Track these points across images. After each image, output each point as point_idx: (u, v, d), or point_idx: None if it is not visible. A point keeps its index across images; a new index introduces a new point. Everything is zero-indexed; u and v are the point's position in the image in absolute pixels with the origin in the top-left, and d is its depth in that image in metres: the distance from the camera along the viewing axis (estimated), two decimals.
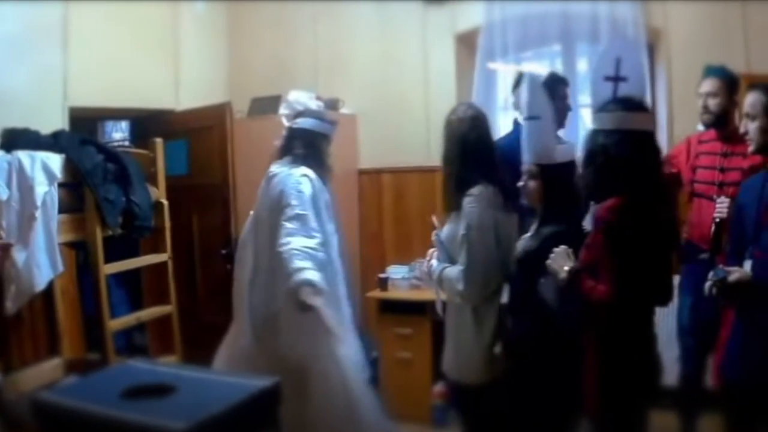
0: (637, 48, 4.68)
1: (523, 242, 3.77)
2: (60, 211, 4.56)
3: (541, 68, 6.29)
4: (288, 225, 4.18)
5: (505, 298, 3.81)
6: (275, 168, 4.49)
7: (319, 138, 4.57)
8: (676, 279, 4.77)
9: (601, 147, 3.35)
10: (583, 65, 6.52)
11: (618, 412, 3.33)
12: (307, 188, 4.29)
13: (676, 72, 5.92)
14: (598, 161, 3.35)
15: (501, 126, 6.48)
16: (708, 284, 3.39)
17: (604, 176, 3.35)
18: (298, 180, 4.32)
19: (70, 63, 5.68)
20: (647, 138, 3.39)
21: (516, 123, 5.00)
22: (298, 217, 4.19)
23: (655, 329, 3.41)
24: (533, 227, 3.77)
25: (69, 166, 4.69)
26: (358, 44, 6.93)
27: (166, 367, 3.42)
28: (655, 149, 3.41)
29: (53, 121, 5.34)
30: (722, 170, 4.56)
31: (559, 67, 6.35)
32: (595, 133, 3.42)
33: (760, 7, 5.72)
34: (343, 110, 6.70)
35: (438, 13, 6.64)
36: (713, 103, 4.64)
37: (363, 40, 6.92)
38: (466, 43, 6.65)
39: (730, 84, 4.63)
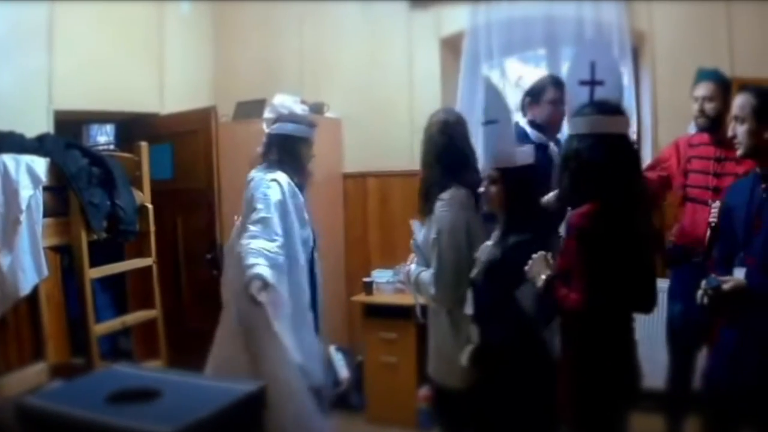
0: (610, 50, 4.67)
1: (486, 251, 3.75)
2: (45, 215, 4.55)
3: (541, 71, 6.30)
4: (251, 228, 4.23)
5: (469, 308, 3.78)
6: (252, 173, 4.52)
7: (295, 142, 4.58)
8: (665, 283, 4.82)
9: (575, 152, 3.32)
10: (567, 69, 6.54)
11: (592, 421, 3.31)
12: (274, 193, 4.31)
13: (661, 75, 5.94)
14: (572, 166, 3.33)
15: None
16: (700, 293, 3.37)
17: (578, 181, 3.33)
18: (267, 185, 4.35)
19: (56, 66, 5.67)
20: (622, 141, 3.35)
21: (517, 125, 5.01)
22: (262, 221, 4.22)
23: (634, 336, 3.36)
24: (496, 234, 3.75)
25: (54, 169, 4.68)
26: (343, 48, 6.94)
27: (151, 371, 3.42)
28: (630, 152, 3.38)
29: (38, 124, 5.33)
30: (716, 175, 4.56)
31: (543, 71, 6.36)
32: (570, 138, 3.42)
33: (744, 10, 5.74)
34: (328, 114, 6.70)
35: (423, 17, 6.65)
36: (710, 107, 4.65)
37: (348, 44, 6.93)
38: (451, 47, 6.67)
39: (724, 87, 4.63)
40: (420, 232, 4.20)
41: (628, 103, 6.10)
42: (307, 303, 4.50)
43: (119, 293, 5.83)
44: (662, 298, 4.47)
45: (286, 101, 5.99)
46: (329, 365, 4.65)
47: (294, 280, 4.36)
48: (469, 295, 3.78)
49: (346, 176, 6.85)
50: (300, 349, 4.35)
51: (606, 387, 3.25)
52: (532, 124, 4.72)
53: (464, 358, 3.77)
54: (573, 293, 3.23)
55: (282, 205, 4.32)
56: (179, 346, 5.46)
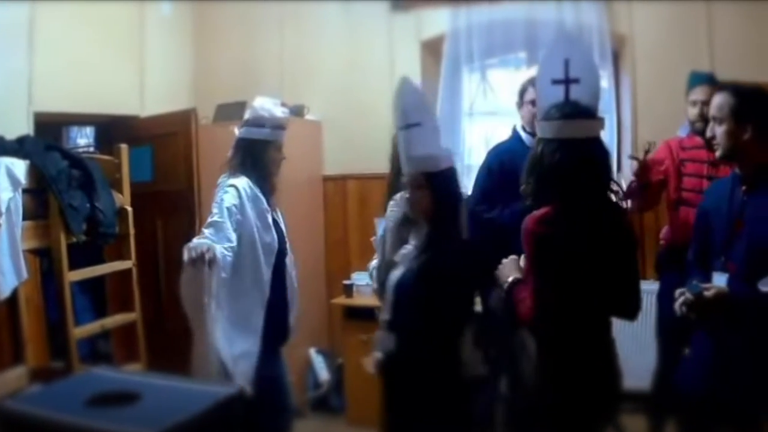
0: (585, 46, 4.66)
1: (408, 257, 3.72)
2: (24, 218, 4.52)
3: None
4: (204, 230, 4.21)
5: (385, 314, 3.78)
6: (219, 179, 4.51)
7: (258, 145, 4.52)
8: (654, 287, 4.85)
9: (539, 156, 3.29)
10: None
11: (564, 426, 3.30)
12: (229, 198, 4.28)
13: (641, 78, 5.98)
14: (536, 171, 3.30)
15: (466, 132, 6.54)
16: (680, 300, 3.31)
17: (541, 186, 3.30)
18: (225, 190, 4.33)
19: (36, 67, 5.65)
20: (589, 145, 3.29)
21: (515, 130, 5.01)
22: (214, 224, 4.19)
23: (609, 341, 3.34)
24: (419, 240, 3.72)
25: (33, 171, 4.65)
26: (324, 51, 6.94)
27: (131, 374, 3.41)
28: (598, 156, 3.30)
29: (18, 126, 5.30)
30: (710, 178, 4.56)
31: (524, 74, 6.38)
32: (537, 142, 3.38)
33: (724, 12, 5.78)
34: (309, 116, 6.71)
35: (404, 19, 6.67)
36: (709, 110, 4.68)
37: (329, 47, 6.93)
38: (432, 49, 6.68)
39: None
40: (380, 229, 4.35)
41: (607, 105, 6.14)
42: (255, 310, 4.39)
43: (99, 296, 5.80)
44: (648, 300, 4.46)
45: (266, 104, 5.96)
46: (309, 368, 4.64)
47: (241, 284, 4.33)
48: (388, 300, 3.76)
49: (326, 179, 6.85)
50: (230, 351, 4.32)
51: (575, 396, 3.22)
52: (524, 126, 4.74)
53: (371, 365, 3.81)
54: (527, 300, 3.23)
55: (238, 210, 4.28)
56: (159, 350, 5.44)
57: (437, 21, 6.60)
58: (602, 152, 3.34)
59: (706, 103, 4.65)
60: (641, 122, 5.93)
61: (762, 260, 3.25)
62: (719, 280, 3.38)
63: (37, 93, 5.63)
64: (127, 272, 5.33)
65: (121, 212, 5.24)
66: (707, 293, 3.26)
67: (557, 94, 3.63)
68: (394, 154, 4.23)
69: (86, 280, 5.23)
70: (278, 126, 4.59)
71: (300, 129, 6.68)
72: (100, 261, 5.37)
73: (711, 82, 4.73)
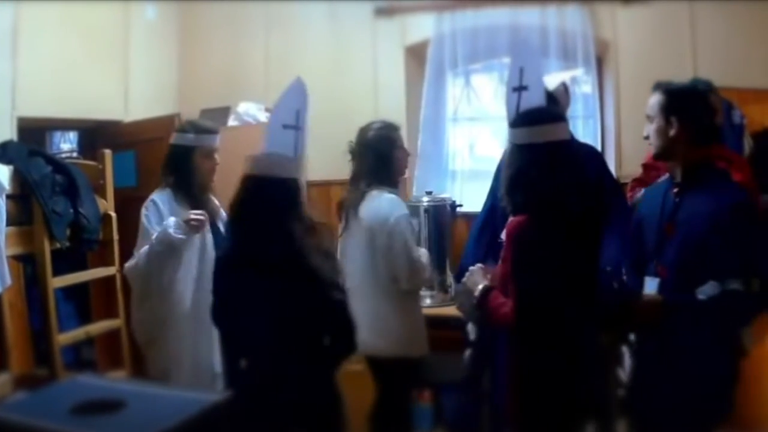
0: (536, 54, 4.68)
1: None
2: (7, 224, 4.50)
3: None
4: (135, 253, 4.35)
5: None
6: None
7: (183, 151, 4.45)
8: None
9: (506, 161, 3.37)
10: None
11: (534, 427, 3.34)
12: (144, 214, 4.36)
13: (624, 83, 6.00)
14: (504, 176, 3.37)
15: (450, 137, 6.54)
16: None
17: (509, 190, 3.35)
18: (145, 206, 4.40)
19: (19, 72, 5.62)
20: (553, 149, 3.29)
21: None
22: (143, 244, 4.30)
23: (584, 347, 3.31)
24: None
25: (17, 177, 4.64)
26: (308, 56, 6.93)
27: (116, 382, 3.40)
28: (562, 160, 3.30)
29: (1, 131, 5.28)
30: None
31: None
32: (506, 148, 3.44)
33: (708, 18, 5.81)
34: None
35: (388, 25, 6.67)
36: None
37: (313, 52, 6.92)
38: (416, 55, 6.69)
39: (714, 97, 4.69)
40: None
41: (591, 110, 6.16)
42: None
43: (82, 303, 5.79)
44: None
45: (250, 109, 5.99)
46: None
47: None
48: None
49: (310, 184, 6.81)
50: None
51: (543, 397, 3.24)
52: None
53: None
54: (507, 304, 3.26)
55: (155, 218, 4.32)
56: (143, 356, 5.43)
57: (421, 26, 6.61)
58: (567, 156, 3.34)
59: None
60: (625, 127, 5.95)
61: (691, 263, 3.26)
62: (651, 285, 3.40)
63: (20, 98, 5.60)
64: (111, 278, 5.31)
65: (105, 218, 5.22)
66: (637, 302, 3.34)
67: (514, 101, 3.79)
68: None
69: (70, 286, 5.21)
70: (204, 131, 4.48)
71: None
72: (83, 267, 5.36)
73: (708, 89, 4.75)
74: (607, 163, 4.64)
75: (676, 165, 3.44)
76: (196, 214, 4.21)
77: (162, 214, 4.31)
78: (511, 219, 3.38)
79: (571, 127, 6.20)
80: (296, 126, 3.73)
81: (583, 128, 6.41)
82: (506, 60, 6.49)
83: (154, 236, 4.22)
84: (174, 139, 4.48)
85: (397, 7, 6.65)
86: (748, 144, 5.22)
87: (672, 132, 3.36)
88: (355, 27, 6.80)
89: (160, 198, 4.37)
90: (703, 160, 3.39)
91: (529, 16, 6.28)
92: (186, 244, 4.26)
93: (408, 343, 4.41)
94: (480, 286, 3.40)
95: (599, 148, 6.26)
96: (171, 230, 4.15)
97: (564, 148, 3.34)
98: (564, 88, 4.42)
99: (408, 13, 6.66)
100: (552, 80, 4.35)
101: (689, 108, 3.40)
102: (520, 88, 3.86)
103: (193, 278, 4.33)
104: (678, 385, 3.24)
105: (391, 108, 6.42)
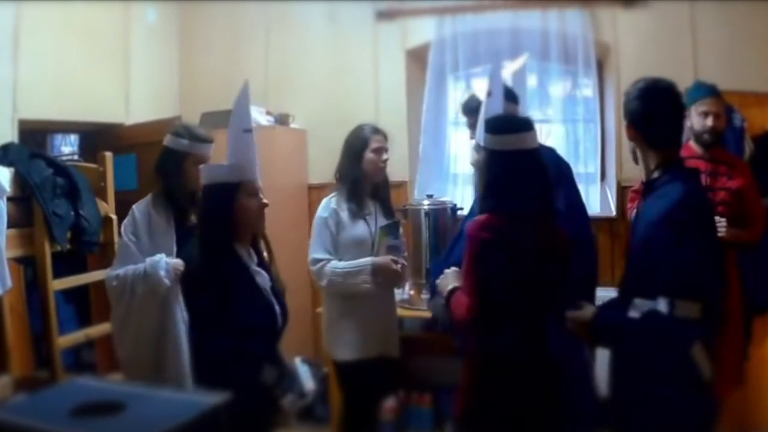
0: (501, 61, 4.69)
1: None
2: (8, 226, 4.50)
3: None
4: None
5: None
6: None
7: (174, 155, 4.31)
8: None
9: (483, 165, 3.45)
10: (533, 81, 6.58)
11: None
12: (125, 224, 4.30)
13: (625, 86, 5.97)
14: (475, 176, 3.43)
15: (451, 140, 6.54)
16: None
17: (483, 194, 3.44)
18: (125, 222, 4.33)
19: (21, 74, 5.61)
20: (517, 157, 3.35)
21: None
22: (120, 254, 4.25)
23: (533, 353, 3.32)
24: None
25: (18, 179, 4.64)
26: (309, 59, 6.94)
27: (116, 384, 3.39)
28: (527, 168, 3.35)
29: (2, 133, 5.28)
30: (709, 190, 4.53)
31: (509, 84, 6.39)
32: (484, 153, 3.49)
33: (708, 22, 5.81)
34: (293, 125, 6.71)
35: (389, 28, 6.68)
36: (719, 122, 4.70)
37: (314, 56, 6.94)
38: (417, 58, 6.70)
39: (722, 102, 4.70)
40: None
41: (591, 113, 6.16)
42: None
43: (83, 305, 5.78)
44: None
45: (251, 112, 5.94)
46: (295, 377, 4.64)
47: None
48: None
49: (312, 188, 6.84)
50: None
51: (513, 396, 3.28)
52: None
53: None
54: (464, 305, 3.30)
55: (135, 235, 4.23)
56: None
57: (422, 30, 6.62)
58: (531, 164, 3.38)
59: (716, 114, 4.68)
60: (625, 131, 5.96)
61: (634, 273, 3.23)
62: (606, 295, 3.48)
63: (21, 100, 5.60)
64: None
65: (106, 221, 5.22)
66: (572, 314, 3.30)
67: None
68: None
69: (70, 289, 5.20)
70: (199, 139, 4.35)
71: (285, 138, 6.68)
72: (84, 270, 5.35)
73: (717, 94, 4.75)
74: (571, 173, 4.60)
75: (646, 169, 3.34)
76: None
77: (138, 228, 4.21)
78: (471, 221, 3.45)
79: (571, 131, 6.26)
80: (251, 129, 3.70)
81: (583, 132, 6.42)
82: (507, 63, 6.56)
83: (141, 264, 4.04)
84: (167, 141, 4.34)
85: (398, 11, 6.65)
86: (748, 147, 5.23)
87: (630, 135, 3.36)
88: (356, 30, 6.81)
89: (139, 209, 4.27)
90: (666, 164, 3.24)
91: (530, 20, 6.28)
92: (173, 292, 4.01)
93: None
94: (449, 287, 3.44)
95: (599, 152, 6.28)
96: (162, 273, 3.94)
97: (536, 156, 3.42)
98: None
99: (409, 16, 6.67)
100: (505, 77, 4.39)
101: (640, 109, 3.31)
102: (489, 94, 3.91)
103: None
104: (632, 406, 3.17)
105: (392, 111, 6.44)
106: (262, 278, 3.58)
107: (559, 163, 4.44)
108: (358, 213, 4.57)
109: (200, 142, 4.30)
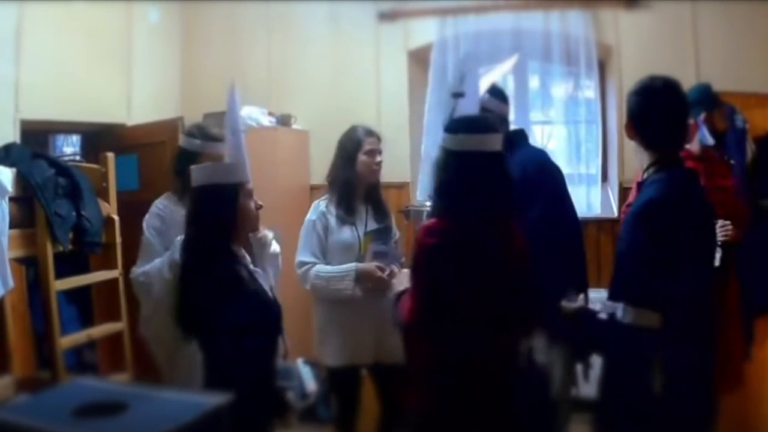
0: (476, 62, 4.66)
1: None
2: (10, 226, 4.49)
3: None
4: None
5: None
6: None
7: (188, 156, 4.35)
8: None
9: (439, 165, 3.38)
10: (534, 82, 6.59)
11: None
12: (145, 225, 4.37)
13: (627, 87, 5.97)
14: (433, 179, 3.40)
15: None
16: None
17: (436, 194, 3.40)
18: (147, 216, 4.43)
19: (23, 75, 5.62)
20: (473, 159, 3.26)
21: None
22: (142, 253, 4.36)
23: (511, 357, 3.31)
24: None
25: (20, 180, 4.63)
26: (311, 60, 6.95)
27: (118, 385, 3.40)
28: (483, 171, 3.26)
29: (4, 133, 5.29)
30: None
31: (510, 85, 6.40)
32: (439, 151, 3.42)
33: (710, 23, 5.82)
34: (295, 126, 6.71)
35: (391, 29, 6.69)
36: (720, 124, 4.70)
37: (316, 57, 6.95)
38: (419, 59, 6.70)
39: (708, 102, 4.70)
40: None
41: (593, 115, 6.17)
42: None
43: (85, 306, 5.78)
44: None
45: (253, 113, 5.97)
46: (298, 378, 4.66)
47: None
48: None
49: (314, 188, 6.84)
50: None
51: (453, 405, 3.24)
52: None
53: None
54: (407, 307, 3.29)
55: (156, 230, 4.32)
56: (145, 359, 5.41)
57: (424, 31, 6.62)
58: (497, 166, 3.31)
59: (718, 116, 4.70)
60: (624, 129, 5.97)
61: (618, 272, 3.21)
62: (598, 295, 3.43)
63: (23, 100, 5.60)
64: (113, 281, 5.29)
65: (108, 221, 5.21)
66: (565, 305, 3.31)
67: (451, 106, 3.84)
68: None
69: (72, 289, 5.20)
70: (211, 138, 4.41)
71: (287, 138, 6.68)
72: (85, 270, 5.35)
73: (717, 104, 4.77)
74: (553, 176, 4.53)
75: (643, 168, 3.31)
76: None
77: (165, 222, 4.30)
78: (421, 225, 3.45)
79: (573, 132, 6.25)
80: (239, 131, 3.71)
81: (585, 133, 6.42)
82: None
83: (165, 255, 4.16)
84: (181, 141, 4.47)
85: (400, 12, 6.66)
86: (750, 148, 5.22)
87: (630, 134, 3.30)
88: (358, 31, 6.82)
89: (162, 204, 4.36)
90: (659, 162, 3.22)
91: (531, 21, 6.29)
92: None
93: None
94: (400, 289, 3.44)
95: (600, 153, 6.28)
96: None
97: (495, 158, 3.33)
98: (494, 94, 4.38)
99: (411, 17, 6.68)
100: (482, 85, 4.34)
101: (639, 108, 3.28)
102: (457, 95, 3.87)
103: None
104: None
105: (394, 112, 6.45)
106: (262, 277, 3.58)
107: (545, 167, 4.41)
108: (346, 217, 4.53)
109: (212, 141, 4.36)
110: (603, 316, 3.10)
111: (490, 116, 3.92)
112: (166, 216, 4.32)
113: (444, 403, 3.25)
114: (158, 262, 4.16)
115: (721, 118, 4.83)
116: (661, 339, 2.94)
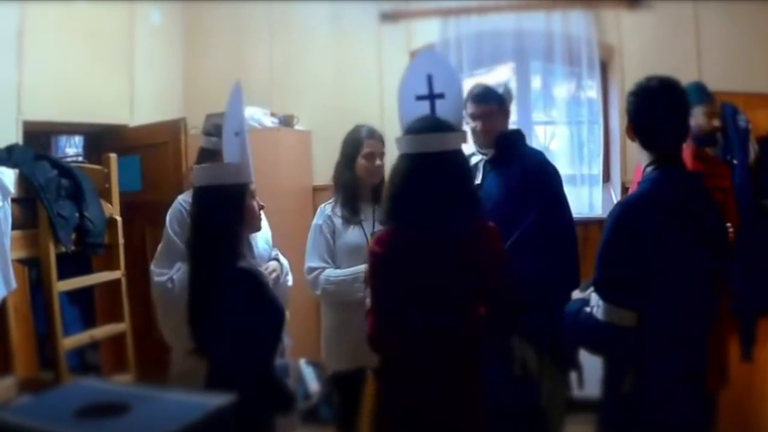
0: (447, 61, 4.63)
1: None
2: (12, 227, 4.50)
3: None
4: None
5: None
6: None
7: (208, 156, 4.41)
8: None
9: (392, 169, 3.27)
10: (537, 83, 6.59)
11: None
12: (168, 221, 4.40)
13: (629, 88, 6.00)
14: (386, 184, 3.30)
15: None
16: None
17: (385, 199, 3.27)
18: (169, 212, 4.46)
19: (25, 76, 5.61)
20: (426, 160, 3.13)
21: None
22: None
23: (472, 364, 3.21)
24: None
25: (22, 181, 4.63)
26: (313, 61, 6.95)
27: (120, 385, 3.40)
28: (428, 172, 3.12)
29: (7, 135, 5.27)
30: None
31: (513, 85, 6.40)
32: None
33: (713, 23, 5.82)
34: (298, 126, 6.71)
35: (393, 30, 6.69)
36: (717, 123, 4.70)
37: (319, 57, 6.95)
38: None
39: (705, 100, 4.70)
40: None
41: (595, 115, 6.17)
42: None
43: (87, 307, 5.78)
44: None
45: (255, 114, 5.96)
46: (300, 378, 4.67)
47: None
48: None
49: (316, 189, 6.84)
50: None
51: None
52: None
53: None
54: (369, 321, 3.23)
55: (180, 224, 4.33)
56: (148, 360, 5.42)
57: (426, 31, 6.62)
58: (451, 167, 3.18)
59: (713, 114, 4.70)
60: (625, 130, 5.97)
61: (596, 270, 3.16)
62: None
63: (25, 102, 5.60)
64: (116, 282, 5.30)
65: (110, 222, 5.21)
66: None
67: (421, 109, 3.71)
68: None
69: (75, 290, 5.21)
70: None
71: (289, 139, 6.68)
72: (88, 271, 5.35)
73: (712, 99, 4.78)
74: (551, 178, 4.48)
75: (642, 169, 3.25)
76: None
77: (181, 220, 4.31)
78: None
79: (575, 133, 6.25)
80: (243, 131, 3.71)
81: (587, 133, 6.42)
82: (511, 65, 6.56)
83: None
84: (201, 141, 4.52)
85: (403, 12, 6.66)
86: (753, 149, 5.21)
87: (630, 134, 3.23)
88: (360, 31, 6.82)
89: (184, 200, 4.35)
90: (657, 163, 3.16)
91: (534, 21, 6.29)
92: None
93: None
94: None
95: (602, 154, 6.28)
96: None
97: (447, 159, 3.18)
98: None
99: (413, 18, 6.68)
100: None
101: (639, 108, 3.21)
102: (431, 97, 3.81)
103: None
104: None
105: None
106: (266, 276, 3.58)
107: (542, 169, 4.37)
108: (351, 219, 4.44)
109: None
110: (587, 308, 3.07)
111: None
112: (184, 214, 4.31)
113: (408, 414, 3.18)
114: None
115: (711, 116, 4.82)
116: (637, 338, 2.94)
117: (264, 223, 4.28)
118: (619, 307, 2.94)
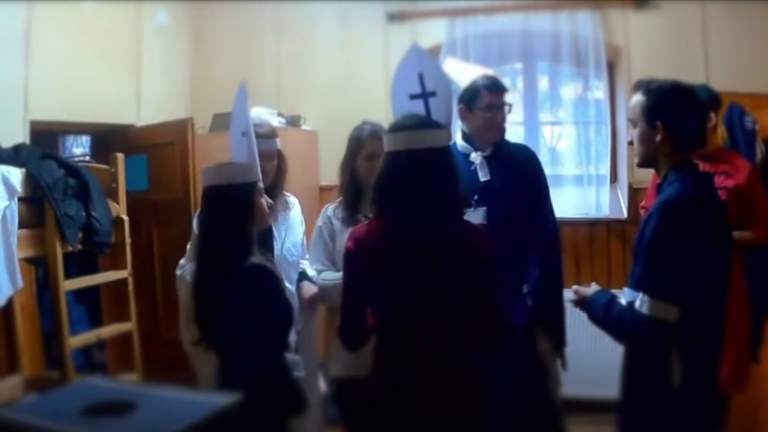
0: (434, 59, 4.61)
1: None
2: (19, 227, 4.51)
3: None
4: None
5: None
6: None
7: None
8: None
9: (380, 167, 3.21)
10: (544, 83, 6.58)
11: None
12: (196, 217, 4.31)
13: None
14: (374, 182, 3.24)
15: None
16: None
17: (372, 196, 3.22)
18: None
19: (32, 76, 5.62)
20: (407, 157, 3.07)
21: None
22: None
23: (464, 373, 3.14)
24: None
25: (29, 180, 4.64)
26: (320, 61, 6.95)
27: (127, 384, 3.40)
28: (408, 169, 3.06)
29: (14, 134, 5.28)
30: None
31: (520, 86, 6.41)
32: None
33: (720, 23, 5.81)
34: (305, 127, 6.71)
35: (400, 30, 6.68)
36: (709, 124, 4.68)
37: (326, 58, 6.95)
38: None
39: (714, 103, 4.67)
40: None
41: (602, 116, 6.17)
42: None
43: (94, 306, 5.79)
44: None
45: (263, 114, 5.96)
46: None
47: None
48: None
49: (323, 189, 6.84)
50: None
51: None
52: (463, 134, 4.51)
53: None
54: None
55: None
56: (154, 360, 5.43)
57: (433, 32, 6.61)
58: (432, 164, 3.09)
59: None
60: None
61: (638, 265, 3.12)
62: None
63: (33, 101, 5.60)
64: (122, 282, 5.31)
65: (117, 221, 5.22)
66: (578, 289, 3.31)
67: (416, 107, 3.75)
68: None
69: (82, 289, 5.22)
70: (261, 135, 4.31)
71: (296, 139, 6.67)
72: (95, 270, 5.36)
73: (704, 94, 4.74)
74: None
75: (662, 172, 3.21)
76: None
77: None
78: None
79: (582, 133, 6.24)
80: (250, 131, 3.72)
81: (594, 134, 6.41)
82: (518, 65, 6.56)
83: None
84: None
85: (410, 13, 6.66)
86: (759, 149, 5.20)
87: (657, 137, 3.12)
88: (367, 32, 6.82)
89: None
90: (680, 164, 3.14)
91: (541, 22, 6.28)
92: None
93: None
94: None
95: (610, 154, 6.27)
96: None
97: (434, 155, 3.11)
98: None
99: (420, 18, 6.67)
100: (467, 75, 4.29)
101: (675, 109, 3.13)
102: (424, 95, 3.81)
103: None
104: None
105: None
106: (277, 271, 3.59)
107: (537, 159, 4.43)
108: (350, 219, 4.32)
109: (264, 138, 4.29)
110: (622, 301, 3.08)
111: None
112: None
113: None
114: None
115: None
116: (679, 332, 2.94)
117: (298, 225, 4.50)
118: (664, 301, 2.94)
